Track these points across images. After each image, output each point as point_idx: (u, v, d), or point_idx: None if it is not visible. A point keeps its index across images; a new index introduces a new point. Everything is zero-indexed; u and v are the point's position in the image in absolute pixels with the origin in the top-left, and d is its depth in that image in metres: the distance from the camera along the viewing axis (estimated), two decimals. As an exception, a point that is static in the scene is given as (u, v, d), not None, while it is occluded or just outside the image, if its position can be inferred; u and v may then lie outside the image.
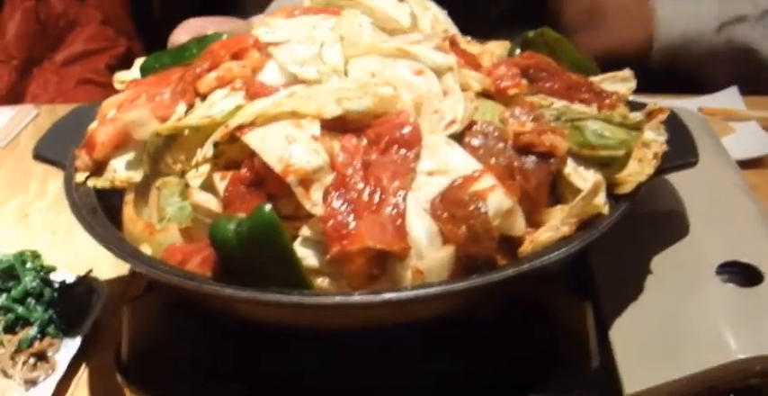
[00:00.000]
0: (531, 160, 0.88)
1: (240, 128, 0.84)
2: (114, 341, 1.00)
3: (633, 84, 1.04)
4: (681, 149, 0.95)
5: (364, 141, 0.85)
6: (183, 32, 1.51)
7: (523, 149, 0.88)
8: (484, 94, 0.95)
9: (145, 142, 0.94)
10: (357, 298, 0.76)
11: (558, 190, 0.90)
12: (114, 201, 0.96)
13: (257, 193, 0.82)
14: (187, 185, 0.90)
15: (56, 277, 1.14)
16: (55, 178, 1.47)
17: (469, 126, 0.89)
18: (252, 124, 0.84)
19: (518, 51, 1.08)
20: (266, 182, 0.82)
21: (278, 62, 0.96)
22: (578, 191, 0.87)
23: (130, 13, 2.45)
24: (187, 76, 0.97)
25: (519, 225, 0.84)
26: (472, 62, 1.00)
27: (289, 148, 0.81)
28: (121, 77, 1.12)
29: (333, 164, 0.82)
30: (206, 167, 0.88)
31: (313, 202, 0.80)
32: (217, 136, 0.86)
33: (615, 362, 0.89)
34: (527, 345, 0.92)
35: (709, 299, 0.92)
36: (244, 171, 0.83)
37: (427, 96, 0.91)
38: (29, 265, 1.12)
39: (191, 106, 0.96)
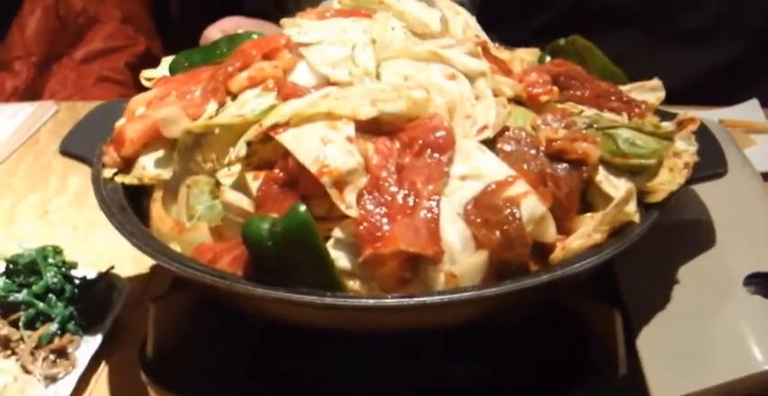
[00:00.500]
0: (562, 167, 0.88)
1: (274, 127, 0.84)
2: (135, 339, 1.01)
3: (662, 93, 1.04)
4: (710, 160, 0.95)
5: (398, 144, 0.85)
6: (217, 30, 1.51)
7: (555, 156, 0.88)
8: (515, 101, 0.95)
9: (174, 140, 0.94)
10: (391, 301, 0.76)
11: (588, 197, 0.90)
12: (139, 198, 0.96)
13: (290, 194, 0.82)
14: (217, 184, 0.90)
15: (77, 274, 1.14)
16: (75, 174, 1.48)
17: (501, 132, 0.89)
18: (286, 124, 0.84)
19: (548, 59, 1.08)
20: (300, 182, 0.82)
21: (309, 63, 0.96)
22: (610, 199, 0.87)
23: (150, 12, 2.46)
24: (218, 75, 0.97)
25: (551, 232, 0.84)
26: (503, 68, 1.00)
27: (324, 149, 0.81)
28: (149, 74, 1.11)
29: (367, 166, 0.82)
30: (237, 167, 0.88)
31: (347, 203, 0.80)
32: (250, 135, 0.86)
33: (642, 370, 0.89)
34: (555, 351, 0.92)
35: (735, 310, 0.92)
36: (277, 171, 0.83)
37: (459, 101, 0.91)
38: (51, 260, 1.12)
39: (221, 105, 0.96)
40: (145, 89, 1.07)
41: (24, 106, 1.78)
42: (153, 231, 0.92)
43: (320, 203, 0.81)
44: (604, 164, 0.90)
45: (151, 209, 0.94)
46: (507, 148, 0.88)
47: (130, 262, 1.20)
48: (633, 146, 0.90)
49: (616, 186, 0.89)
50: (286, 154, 0.83)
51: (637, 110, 0.99)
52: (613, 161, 0.90)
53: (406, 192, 0.81)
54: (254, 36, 1.04)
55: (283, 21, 1.03)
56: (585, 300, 0.91)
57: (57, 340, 1.04)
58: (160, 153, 0.97)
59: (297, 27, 1.01)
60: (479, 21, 1.11)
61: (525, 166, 0.87)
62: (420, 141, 0.84)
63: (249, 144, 0.86)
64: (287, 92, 0.92)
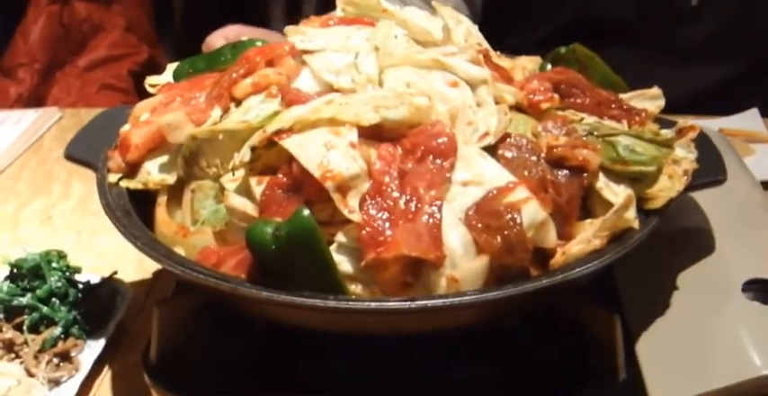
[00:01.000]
0: (563, 174, 0.89)
1: (278, 133, 0.85)
2: (138, 343, 1.01)
3: (662, 101, 1.05)
4: (709, 167, 0.96)
5: (400, 150, 0.86)
6: (220, 37, 1.52)
7: (556, 163, 0.89)
8: (516, 108, 0.96)
9: (178, 145, 0.95)
10: (393, 304, 0.77)
11: (588, 204, 0.91)
12: (143, 203, 0.97)
13: (294, 199, 0.83)
14: (222, 189, 0.90)
15: (80, 278, 1.14)
16: (78, 180, 1.49)
17: (503, 139, 0.90)
18: (290, 130, 0.85)
19: (549, 67, 1.09)
20: (303, 187, 0.82)
21: (313, 70, 0.97)
22: (609, 205, 0.88)
23: (153, 20, 2.47)
24: (223, 82, 0.98)
25: (551, 237, 0.84)
26: (505, 76, 1.01)
27: (327, 154, 0.82)
28: (153, 81, 1.12)
29: (370, 172, 0.83)
30: (241, 172, 0.89)
31: (350, 208, 0.80)
32: (254, 140, 0.87)
33: (642, 375, 0.90)
34: (555, 356, 0.93)
35: (734, 316, 0.92)
36: (281, 176, 0.84)
37: (461, 108, 0.92)
38: (54, 265, 1.12)
39: (225, 111, 0.97)
40: (148, 96, 1.08)
41: (28, 113, 1.78)
42: (157, 236, 0.92)
43: (323, 208, 0.82)
44: (604, 171, 0.91)
45: (156, 213, 0.95)
46: (508, 154, 0.89)
47: (134, 267, 1.21)
48: (633, 153, 0.91)
49: (616, 193, 0.89)
50: (290, 159, 0.84)
51: (637, 118, 1.00)
52: (613, 168, 0.91)
53: (409, 197, 0.82)
54: (258, 43, 1.05)
55: (287, 28, 1.04)
56: (585, 305, 0.92)
57: (60, 344, 1.05)
58: (165, 158, 0.98)
59: (300, 34, 1.02)
60: (480, 33, 1.12)
61: (526, 173, 0.87)
62: (422, 147, 0.85)
63: (253, 149, 0.87)
64: (291, 98, 0.92)
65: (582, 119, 0.97)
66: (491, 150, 0.89)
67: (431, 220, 0.80)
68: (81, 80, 2.22)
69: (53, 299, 1.09)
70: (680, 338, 0.92)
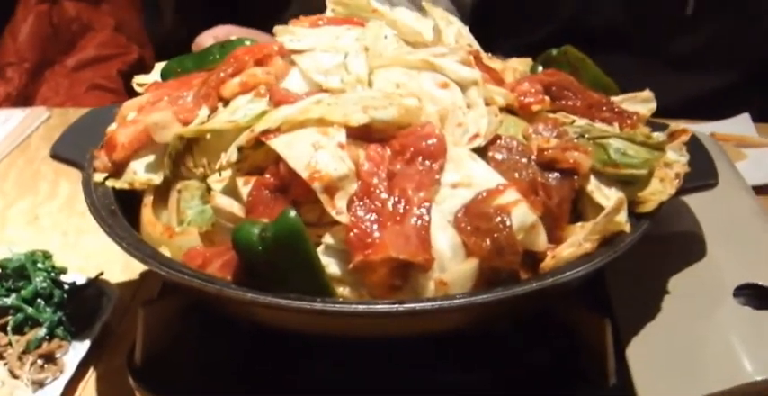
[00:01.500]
0: (554, 177, 0.88)
1: (266, 133, 0.84)
2: (123, 345, 1.01)
3: (653, 104, 1.05)
4: (701, 171, 0.95)
5: (389, 151, 0.85)
6: (209, 37, 1.52)
7: (547, 165, 0.88)
8: (507, 110, 0.95)
9: (165, 145, 0.94)
10: (381, 307, 0.76)
11: (579, 207, 0.90)
12: (129, 203, 0.96)
13: (281, 199, 0.82)
14: (208, 189, 0.90)
15: (66, 279, 1.13)
16: (65, 180, 1.48)
17: (493, 140, 0.89)
18: (278, 130, 0.84)
19: (540, 69, 1.08)
20: (290, 188, 0.82)
21: (302, 70, 0.97)
22: (600, 208, 0.87)
23: (143, 21, 2.46)
24: (211, 81, 0.97)
25: (541, 240, 0.84)
26: (496, 77, 1.00)
27: (315, 154, 0.81)
28: (141, 80, 1.11)
29: (358, 173, 0.82)
30: (228, 172, 0.88)
31: (338, 209, 0.79)
32: (242, 140, 0.86)
33: (632, 380, 0.89)
34: (545, 360, 0.92)
35: (725, 321, 0.92)
36: (268, 176, 0.83)
37: (451, 109, 0.91)
38: (40, 265, 1.11)
39: (213, 110, 0.96)
40: (137, 96, 1.07)
41: (16, 112, 1.77)
42: (143, 236, 0.91)
43: (311, 209, 0.81)
44: (595, 173, 0.90)
45: (141, 213, 0.94)
46: (499, 156, 0.88)
47: (120, 268, 1.20)
48: (624, 156, 0.90)
49: (607, 196, 0.89)
50: (277, 159, 0.83)
51: (628, 120, 1.00)
52: (604, 171, 0.90)
53: (397, 199, 0.81)
54: (247, 42, 1.05)
55: (276, 28, 1.03)
56: (576, 309, 0.91)
57: (45, 345, 1.04)
58: (151, 158, 0.97)
59: (290, 34, 1.01)
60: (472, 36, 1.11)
61: (516, 175, 0.87)
62: (411, 149, 0.85)
63: (240, 149, 0.86)
64: (279, 98, 0.92)
65: (573, 121, 0.97)
66: (481, 152, 0.88)
67: (419, 223, 0.79)
68: (70, 80, 2.21)
69: (38, 300, 1.08)
70: (671, 343, 0.92)
